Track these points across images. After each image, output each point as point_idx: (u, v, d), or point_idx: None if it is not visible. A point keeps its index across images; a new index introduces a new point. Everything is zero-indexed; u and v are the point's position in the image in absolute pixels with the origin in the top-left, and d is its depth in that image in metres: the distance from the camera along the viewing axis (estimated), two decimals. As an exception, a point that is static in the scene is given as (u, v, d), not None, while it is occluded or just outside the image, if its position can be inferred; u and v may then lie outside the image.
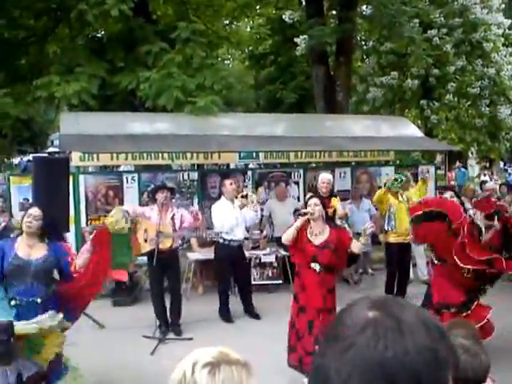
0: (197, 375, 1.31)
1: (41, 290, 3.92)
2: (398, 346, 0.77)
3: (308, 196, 5.40)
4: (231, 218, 6.27)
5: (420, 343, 0.78)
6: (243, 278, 6.72)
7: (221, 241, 6.41)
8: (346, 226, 7.72)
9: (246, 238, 6.95)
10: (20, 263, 3.90)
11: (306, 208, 4.84)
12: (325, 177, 6.91)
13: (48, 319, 3.65)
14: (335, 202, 6.82)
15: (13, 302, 3.86)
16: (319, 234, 4.75)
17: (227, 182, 6.60)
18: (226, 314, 6.46)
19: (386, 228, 6.98)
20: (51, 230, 4.12)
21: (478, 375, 1.71)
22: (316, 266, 4.66)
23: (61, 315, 3.73)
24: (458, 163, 18.73)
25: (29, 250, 3.98)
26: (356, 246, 4.71)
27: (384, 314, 0.81)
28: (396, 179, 7.01)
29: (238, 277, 6.70)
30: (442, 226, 4.98)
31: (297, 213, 4.90)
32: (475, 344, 1.79)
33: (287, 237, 4.79)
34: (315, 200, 4.83)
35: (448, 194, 5.29)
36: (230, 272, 6.59)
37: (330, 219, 5.13)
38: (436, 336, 0.81)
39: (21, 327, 3.51)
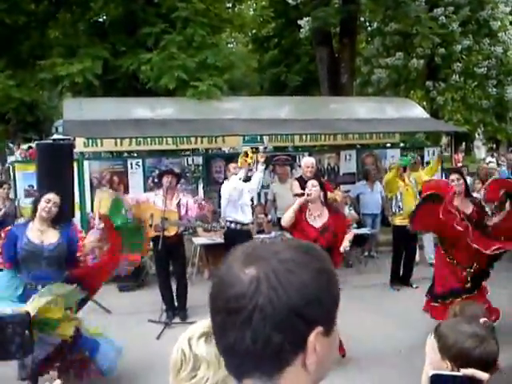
0: (195, 348, 1.32)
1: (55, 275, 3.97)
2: (296, 284, 0.78)
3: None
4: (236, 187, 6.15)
5: (311, 269, 0.80)
6: None
7: (232, 226, 6.29)
8: (349, 211, 7.71)
9: (251, 223, 6.86)
10: (33, 248, 3.94)
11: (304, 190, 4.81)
12: (308, 161, 6.81)
13: (61, 287, 3.67)
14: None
15: (28, 287, 3.93)
16: (318, 217, 4.71)
17: (231, 166, 6.53)
18: None
19: (394, 210, 6.93)
20: (61, 216, 4.16)
21: (487, 360, 1.69)
22: None
23: (74, 286, 3.77)
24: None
25: (40, 235, 4.00)
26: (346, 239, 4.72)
27: (263, 263, 0.80)
28: (406, 155, 6.91)
29: None
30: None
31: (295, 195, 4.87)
32: (483, 329, 1.78)
33: (286, 220, 4.75)
34: (313, 181, 4.79)
35: (453, 176, 5.22)
36: None
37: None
38: (318, 257, 0.83)
39: (37, 302, 3.49)
